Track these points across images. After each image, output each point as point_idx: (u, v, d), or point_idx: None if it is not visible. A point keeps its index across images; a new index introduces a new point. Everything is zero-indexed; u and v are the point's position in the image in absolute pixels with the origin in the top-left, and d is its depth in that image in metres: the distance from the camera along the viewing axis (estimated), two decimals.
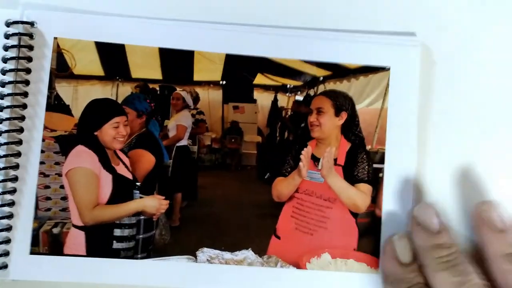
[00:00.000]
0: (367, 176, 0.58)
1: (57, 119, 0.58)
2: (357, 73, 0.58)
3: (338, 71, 0.58)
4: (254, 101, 0.62)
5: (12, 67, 0.56)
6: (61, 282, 0.55)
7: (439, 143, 0.57)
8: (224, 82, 0.61)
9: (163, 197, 0.58)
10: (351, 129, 0.60)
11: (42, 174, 0.57)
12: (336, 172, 0.58)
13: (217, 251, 0.56)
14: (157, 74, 0.59)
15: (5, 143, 0.55)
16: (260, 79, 0.60)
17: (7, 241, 0.54)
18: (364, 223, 0.58)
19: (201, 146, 0.62)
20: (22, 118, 0.56)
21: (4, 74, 0.55)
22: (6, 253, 0.54)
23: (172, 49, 0.58)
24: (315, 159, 0.59)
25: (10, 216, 0.54)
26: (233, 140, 0.63)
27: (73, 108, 0.58)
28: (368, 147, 0.58)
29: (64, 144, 0.58)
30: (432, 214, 0.50)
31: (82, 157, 0.57)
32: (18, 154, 0.55)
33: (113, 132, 0.58)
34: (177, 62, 0.59)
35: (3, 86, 0.55)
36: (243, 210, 0.59)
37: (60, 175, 0.57)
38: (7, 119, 0.55)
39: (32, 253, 0.55)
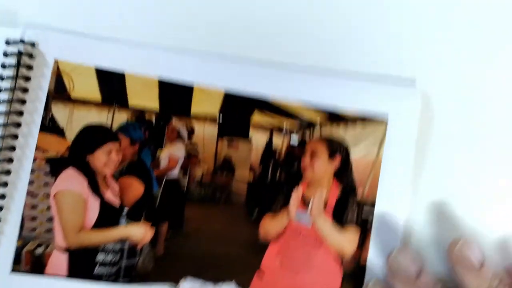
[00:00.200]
0: (356, 220, 0.58)
1: (50, 140, 0.58)
2: (354, 120, 0.58)
3: (336, 117, 0.58)
4: (249, 139, 0.61)
5: (9, 85, 0.56)
6: None
7: (431, 196, 0.57)
8: (221, 117, 0.61)
9: (149, 226, 0.58)
10: (343, 174, 0.59)
11: (30, 193, 0.57)
12: (325, 215, 0.58)
13: (200, 282, 0.56)
14: (155, 104, 0.60)
15: None
16: (257, 117, 0.60)
17: None
18: (349, 267, 0.57)
19: (191, 179, 0.62)
20: (15, 136, 0.56)
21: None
22: None
23: (172, 81, 0.58)
24: (305, 201, 0.59)
25: None
26: (224, 176, 0.63)
27: (67, 131, 0.58)
28: (359, 194, 0.58)
29: (55, 166, 0.57)
30: (409, 258, 0.50)
31: (71, 180, 0.57)
32: (8, 172, 0.56)
33: (105, 158, 0.58)
34: (176, 94, 0.59)
35: None
36: (228, 245, 0.59)
37: (48, 196, 0.57)
38: (0, 137, 0.55)
39: (13, 271, 0.55)
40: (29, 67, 0.57)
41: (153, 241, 0.58)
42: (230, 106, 0.59)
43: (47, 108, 0.57)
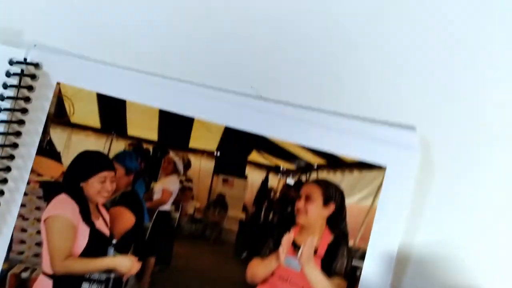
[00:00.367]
0: (344, 271, 0.57)
1: (46, 164, 0.57)
2: (352, 166, 0.57)
3: (333, 162, 0.58)
4: (245, 177, 0.61)
5: (9, 106, 0.56)
6: None
7: (421, 255, 0.56)
8: (218, 153, 0.60)
9: (137, 258, 0.58)
10: (336, 221, 0.58)
11: (21, 216, 0.56)
12: (315, 262, 0.57)
13: None
14: (153, 135, 0.59)
15: None
16: (254, 156, 0.59)
17: None
18: None
19: (183, 213, 0.61)
20: (12, 157, 0.56)
21: None
22: None
23: (173, 112, 0.58)
24: (295, 246, 0.58)
25: None
26: (216, 213, 0.62)
27: (64, 155, 0.58)
28: (350, 243, 0.57)
29: (48, 190, 0.57)
30: None
31: (63, 206, 0.57)
32: (1, 193, 0.55)
33: (99, 186, 0.58)
34: (176, 125, 0.59)
35: None
36: (215, 285, 0.58)
37: (39, 220, 0.57)
38: None
39: None
40: (31, 88, 0.56)
41: (140, 274, 0.58)
42: (228, 142, 0.59)
43: (45, 131, 0.57)
